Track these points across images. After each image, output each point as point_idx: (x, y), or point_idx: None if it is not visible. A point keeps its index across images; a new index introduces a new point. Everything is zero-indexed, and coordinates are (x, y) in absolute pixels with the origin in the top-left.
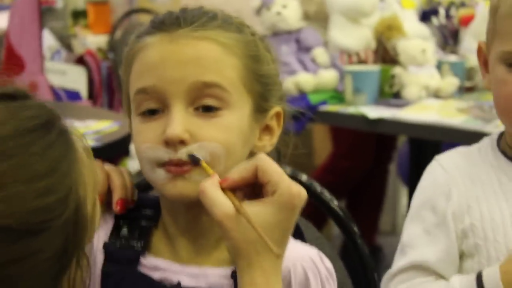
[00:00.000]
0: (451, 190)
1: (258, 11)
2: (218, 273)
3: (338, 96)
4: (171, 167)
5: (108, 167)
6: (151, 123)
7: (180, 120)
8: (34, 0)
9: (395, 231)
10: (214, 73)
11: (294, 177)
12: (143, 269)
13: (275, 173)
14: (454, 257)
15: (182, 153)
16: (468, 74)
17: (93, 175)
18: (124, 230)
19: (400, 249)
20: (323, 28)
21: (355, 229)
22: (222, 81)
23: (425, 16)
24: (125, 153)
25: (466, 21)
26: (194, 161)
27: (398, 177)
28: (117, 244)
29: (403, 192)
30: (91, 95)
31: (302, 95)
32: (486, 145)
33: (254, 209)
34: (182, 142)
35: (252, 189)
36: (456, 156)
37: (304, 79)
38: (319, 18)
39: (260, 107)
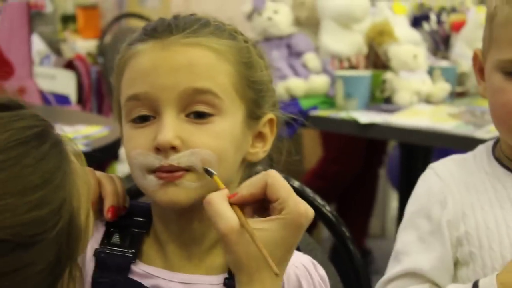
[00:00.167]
0: (446, 198)
1: (249, 17)
2: (210, 280)
3: (329, 101)
4: (162, 174)
5: (99, 173)
6: (142, 129)
7: (171, 127)
8: (23, 4)
9: (385, 235)
10: (206, 80)
11: None
12: (134, 277)
13: (284, 190)
14: (448, 265)
15: (173, 160)
16: (459, 79)
17: (86, 185)
18: (115, 238)
19: (394, 257)
20: (314, 34)
21: (348, 234)
22: (214, 88)
23: (416, 21)
24: (114, 157)
25: (458, 26)
26: (208, 174)
27: (388, 181)
28: (108, 251)
29: (393, 196)
30: (81, 100)
31: (293, 100)
32: (481, 153)
33: (260, 225)
34: (174, 149)
35: (261, 204)
36: (450, 164)
37: (295, 84)
38: (310, 23)
39: (253, 114)
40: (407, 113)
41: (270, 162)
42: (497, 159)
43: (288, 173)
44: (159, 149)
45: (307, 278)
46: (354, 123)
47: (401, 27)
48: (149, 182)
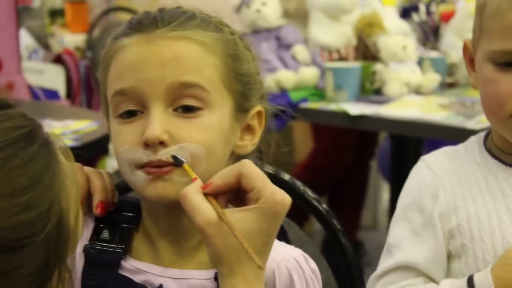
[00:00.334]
0: (438, 191)
1: (238, 9)
2: (201, 275)
3: (319, 93)
4: (151, 169)
5: (88, 169)
6: (129, 124)
7: (159, 121)
8: None
9: (377, 227)
10: (193, 73)
11: (276, 176)
12: (124, 272)
13: (259, 179)
14: (442, 258)
15: (161, 155)
16: (449, 70)
17: (75, 185)
18: (105, 233)
19: (386, 250)
20: (303, 26)
21: (339, 227)
22: (201, 81)
23: (406, 12)
24: (104, 152)
25: (447, 17)
26: (177, 162)
27: (379, 172)
28: (98, 247)
29: (385, 187)
30: (70, 94)
31: (283, 92)
32: (473, 144)
33: (237, 216)
34: (162, 143)
35: (236, 194)
36: (442, 156)
37: (285, 77)
38: (299, 15)
39: (241, 106)
40: (397, 105)
41: (259, 154)
42: (489, 151)
43: (278, 165)
44: (147, 144)
45: (298, 272)
46: (345, 115)
47: (390, 18)
48: (138, 178)
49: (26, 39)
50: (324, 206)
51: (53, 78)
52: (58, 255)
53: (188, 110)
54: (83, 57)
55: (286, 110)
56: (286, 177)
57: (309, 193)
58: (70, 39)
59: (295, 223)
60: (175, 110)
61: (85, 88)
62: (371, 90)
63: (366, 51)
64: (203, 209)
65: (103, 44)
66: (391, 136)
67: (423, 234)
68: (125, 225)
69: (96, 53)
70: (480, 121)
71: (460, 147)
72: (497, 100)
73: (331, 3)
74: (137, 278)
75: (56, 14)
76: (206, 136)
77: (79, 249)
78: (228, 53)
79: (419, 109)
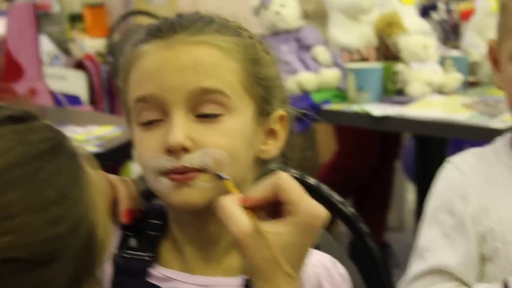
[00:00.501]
0: (468, 192)
1: (257, 11)
2: (229, 282)
3: (341, 94)
4: (175, 175)
5: (113, 177)
6: (152, 131)
7: (181, 127)
8: (29, 6)
9: (403, 228)
10: (213, 79)
11: (302, 180)
12: (152, 280)
13: (295, 192)
14: (474, 261)
15: (185, 161)
16: (471, 68)
17: (104, 197)
18: (132, 241)
19: (417, 253)
20: (322, 27)
21: (367, 230)
22: (222, 86)
23: (425, 11)
24: (128, 157)
25: (467, 15)
26: (221, 179)
27: (404, 173)
28: (126, 255)
29: (410, 188)
30: (92, 100)
31: (305, 94)
32: (500, 146)
33: (273, 228)
34: (185, 149)
35: (274, 207)
36: (470, 158)
37: (306, 78)
38: (318, 16)
39: (262, 111)
40: (420, 105)
41: (283, 159)
42: None
43: (303, 168)
44: (171, 151)
45: (327, 277)
46: (367, 116)
47: (410, 17)
48: (162, 185)
49: (47, 45)
50: (350, 209)
51: (75, 83)
52: (88, 268)
53: (209, 115)
54: (104, 62)
55: (308, 113)
56: (312, 181)
57: (335, 197)
58: (90, 43)
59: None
60: (197, 115)
61: (107, 93)
62: (393, 91)
63: (387, 51)
64: (239, 219)
65: (123, 50)
66: (414, 136)
67: (455, 237)
68: (152, 233)
69: (117, 57)
70: (504, 120)
71: (487, 148)
72: None
73: (350, 3)
74: (165, 286)
75: (75, 19)
76: (229, 140)
77: (107, 257)
78: (247, 57)
79: (442, 109)
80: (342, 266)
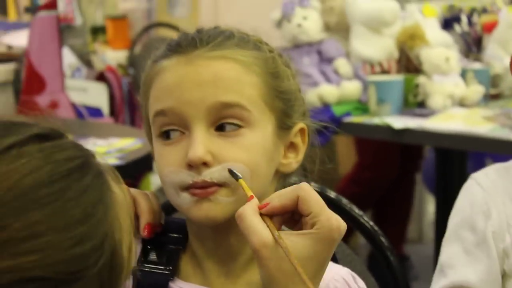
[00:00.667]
0: (490, 209)
1: (279, 24)
2: None
3: (362, 107)
4: (196, 190)
5: (134, 191)
6: (172, 146)
7: (201, 142)
8: (53, 18)
9: (422, 240)
10: (233, 93)
11: (322, 194)
12: None
13: (316, 204)
14: (496, 277)
15: (205, 175)
16: (493, 81)
17: (129, 216)
18: (152, 255)
19: (439, 270)
20: (344, 39)
21: (387, 244)
22: (242, 101)
23: (447, 23)
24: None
25: (489, 27)
26: (234, 177)
27: (424, 184)
28: (146, 269)
29: (430, 200)
30: (113, 112)
31: (326, 107)
32: None
33: (292, 240)
34: (205, 164)
35: (291, 215)
36: (492, 173)
37: (327, 91)
38: (340, 29)
39: (283, 124)
40: (441, 117)
41: (303, 172)
42: None
43: (323, 181)
44: (191, 166)
45: None
46: (388, 128)
47: (432, 30)
48: (183, 200)
49: (69, 58)
50: (371, 223)
51: (96, 95)
52: (112, 285)
53: (230, 129)
54: (125, 74)
55: (328, 126)
56: (332, 194)
57: (356, 210)
58: (112, 55)
59: (342, 241)
60: (217, 130)
61: (128, 105)
62: (415, 103)
63: (409, 64)
64: (259, 230)
65: (144, 62)
66: (435, 149)
67: (477, 254)
68: (172, 246)
69: (138, 69)
70: None
71: (510, 163)
72: None
73: (372, 15)
74: None
75: (97, 31)
76: (250, 155)
77: None
78: (267, 71)
79: (464, 122)
80: (361, 280)
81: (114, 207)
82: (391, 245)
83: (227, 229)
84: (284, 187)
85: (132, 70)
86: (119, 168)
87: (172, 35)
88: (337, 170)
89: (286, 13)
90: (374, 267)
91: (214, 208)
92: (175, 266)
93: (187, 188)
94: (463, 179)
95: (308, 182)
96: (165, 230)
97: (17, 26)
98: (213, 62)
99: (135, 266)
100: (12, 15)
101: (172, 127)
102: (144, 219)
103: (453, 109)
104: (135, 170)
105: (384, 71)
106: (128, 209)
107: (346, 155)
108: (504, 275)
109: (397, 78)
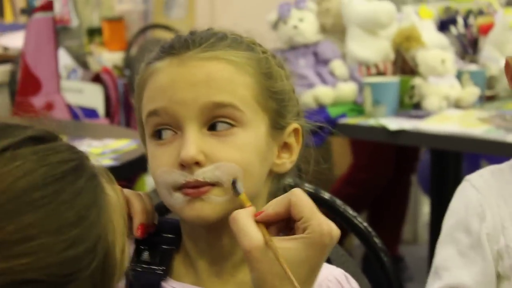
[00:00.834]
0: (485, 211)
1: (275, 26)
2: None
3: (357, 108)
4: (188, 190)
5: (127, 191)
6: (165, 146)
7: (194, 142)
8: (49, 20)
9: (417, 241)
10: (226, 93)
11: (316, 195)
12: None
13: (307, 209)
14: (491, 279)
15: (198, 175)
16: (488, 83)
17: (123, 218)
18: (145, 255)
19: (434, 272)
20: (340, 41)
21: (380, 245)
22: (234, 101)
23: (443, 25)
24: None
25: (485, 29)
26: (235, 192)
27: (419, 185)
28: (139, 269)
29: (425, 201)
30: (108, 113)
31: (321, 108)
32: None
33: (283, 244)
34: (198, 164)
35: (287, 223)
36: (487, 175)
37: (323, 92)
38: (336, 30)
39: (276, 124)
40: (436, 119)
41: (298, 173)
42: None
43: (318, 182)
44: (184, 166)
45: None
46: (384, 130)
47: (428, 32)
48: (176, 200)
49: (64, 59)
50: (365, 224)
51: (92, 97)
52: (104, 287)
53: (222, 129)
54: (121, 75)
55: (324, 126)
56: (326, 195)
57: (350, 211)
58: (108, 57)
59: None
60: (210, 130)
61: (124, 107)
62: (410, 105)
63: (405, 66)
64: (251, 232)
65: (139, 65)
66: (431, 150)
67: (471, 256)
68: (166, 247)
69: (134, 71)
70: None
71: (504, 166)
72: None
73: (368, 17)
74: None
75: (94, 32)
76: (243, 155)
77: None
78: (261, 71)
79: (459, 123)
80: (354, 280)
81: (108, 210)
82: (385, 246)
83: (220, 229)
84: (279, 188)
85: (128, 72)
86: (114, 169)
87: (168, 37)
88: (333, 171)
89: (282, 15)
90: (368, 268)
91: (206, 207)
92: (168, 266)
93: (179, 188)
94: (458, 180)
95: (303, 183)
96: (158, 230)
97: (13, 27)
98: (206, 62)
99: (127, 266)
100: (8, 17)
101: (165, 127)
102: (138, 220)
103: (448, 111)
104: (130, 171)
105: (380, 73)
106: (122, 211)
107: (341, 156)
108: (498, 277)
109: (392, 79)
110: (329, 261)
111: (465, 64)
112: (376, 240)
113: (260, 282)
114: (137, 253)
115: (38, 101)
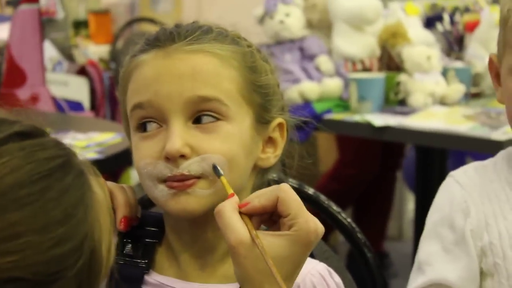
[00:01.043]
0: (469, 207)
1: (261, 20)
2: None
3: (343, 104)
4: (173, 183)
5: (110, 184)
6: (150, 139)
7: (179, 135)
8: (35, 11)
9: (402, 237)
10: (211, 87)
11: (300, 190)
12: (148, 287)
13: (295, 206)
14: (475, 275)
15: (183, 168)
16: (474, 80)
17: (109, 216)
18: (128, 248)
19: (417, 267)
20: (326, 36)
21: (364, 241)
22: (219, 95)
23: (430, 22)
24: (129, 163)
25: (471, 26)
26: (216, 173)
27: (404, 182)
28: (121, 261)
29: (410, 197)
30: (94, 106)
31: (307, 103)
32: (502, 160)
33: (269, 240)
34: (183, 157)
35: (269, 215)
36: (471, 172)
37: (309, 88)
38: (322, 26)
39: (261, 118)
40: (422, 115)
41: (282, 167)
42: None
43: (303, 177)
44: (169, 158)
45: (323, 286)
46: (369, 126)
47: (414, 28)
48: (160, 192)
49: (50, 51)
50: (348, 220)
51: (77, 89)
52: (90, 285)
53: (207, 122)
54: (107, 68)
55: (309, 122)
56: (310, 191)
57: (334, 207)
58: (94, 50)
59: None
60: (194, 123)
61: (109, 100)
62: (395, 101)
63: (390, 62)
64: (237, 228)
65: (127, 54)
66: (416, 147)
67: (455, 251)
68: (149, 240)
69: (120, 64)
70: (506, 132)
71: (488, 162)
72: None
73: (355, 13)
74: None
75: (80, 25)
76: (228, 146)
77: None
78: (245, 65)
79: (444, 120)
80: (337, 275)
81: (95, 207)
82: (369, 242)
83: (204, 222)
84: (263, 182)
85: (113, 65)
86: (99, 162)
87: (155, 30)
88: (318, 166)
89: (268, 9)
90: (353, 265)
91: (191, 200)
92: (150, 259)
93: (164, 180)
94: (443, 177)
95: (287, 178)
96: (141, 223)
97: None
98: (191, 55)
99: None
100: None
101: (150, 119)
102: (121, 212)
103: (433, 108)
104: (115, 164)
105: (366, 69)
106: (109, 209)
107: (327, 151)
108: (481, 274)
109: (378, 76)
110: (312, 255)
111: (451, 61)
112: (360, 236)
113: (244, 277)
114: (120, 246)
115: (23, 93)
